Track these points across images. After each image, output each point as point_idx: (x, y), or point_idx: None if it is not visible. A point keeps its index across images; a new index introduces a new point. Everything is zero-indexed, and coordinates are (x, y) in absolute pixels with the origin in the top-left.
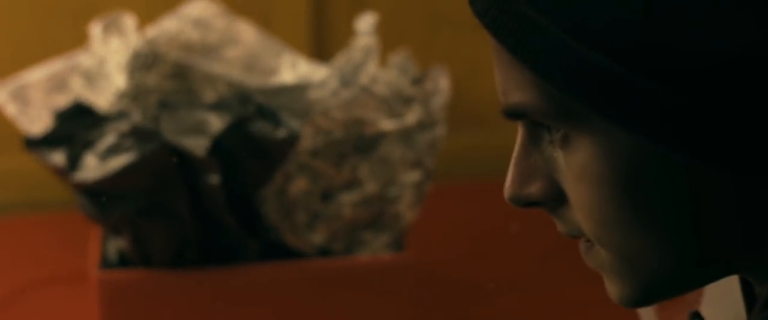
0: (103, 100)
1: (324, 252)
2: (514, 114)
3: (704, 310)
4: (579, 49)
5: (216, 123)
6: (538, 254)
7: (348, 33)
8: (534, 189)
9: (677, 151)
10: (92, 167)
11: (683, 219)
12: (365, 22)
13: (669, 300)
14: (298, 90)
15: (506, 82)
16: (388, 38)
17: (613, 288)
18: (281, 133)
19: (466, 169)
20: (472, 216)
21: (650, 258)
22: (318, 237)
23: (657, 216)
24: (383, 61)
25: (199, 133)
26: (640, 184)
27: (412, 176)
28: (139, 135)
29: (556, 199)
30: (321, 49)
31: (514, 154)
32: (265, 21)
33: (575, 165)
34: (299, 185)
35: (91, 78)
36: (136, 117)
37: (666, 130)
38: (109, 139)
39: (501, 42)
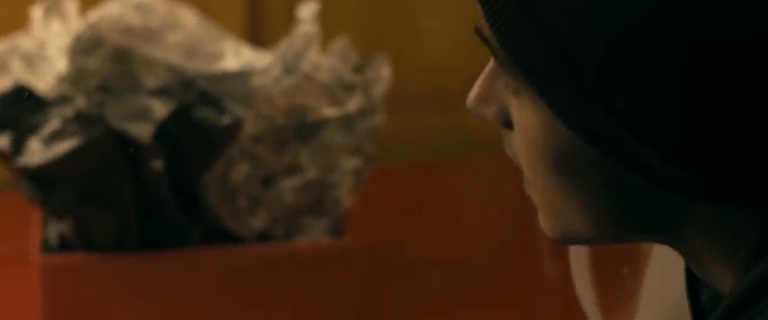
0: (43, 83)
1: (264, 237)
2: (480, 37)
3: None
4: (537, 37)
5: (160, 109)
6: (474, 235)
7: (284, 20)
8: (489, 111)
9: (598, 148)
10: (36, 151)
11: (600, 196)
12: (307, 10)
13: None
14: (242, 76)
15: (481, 15)
16: (326, 25)
17: (540, 218)
18: (225, 120)
19: (402, 152)
20: (407, 198)
21: (567, 213)
22: (258, 222)
23: (578, 187)
24: (323, 49)
25: (144, 118)
26: (565, 159)
27: (352, 162)
28: (83, 120)
29: (506, 125)
30: (257, 36)
31: (484, 72)
32: (201, 7)
33: (518, 116)
34: (240, 170)
35: (30, 60)
36: (80, 102)
37: (594, 132)
38: (53, 123)
39: None
